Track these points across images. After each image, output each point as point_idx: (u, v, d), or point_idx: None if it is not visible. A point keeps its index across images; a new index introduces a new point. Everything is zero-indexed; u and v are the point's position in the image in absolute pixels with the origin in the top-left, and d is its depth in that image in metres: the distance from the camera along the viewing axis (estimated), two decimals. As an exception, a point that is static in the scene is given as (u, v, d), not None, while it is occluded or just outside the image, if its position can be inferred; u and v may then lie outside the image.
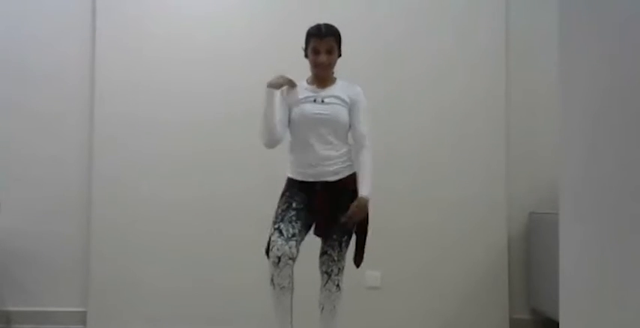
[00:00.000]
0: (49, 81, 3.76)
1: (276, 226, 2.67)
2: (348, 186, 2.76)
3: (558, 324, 1.65)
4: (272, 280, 2.64)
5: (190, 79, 3.72)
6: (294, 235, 2.64)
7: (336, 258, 2.76)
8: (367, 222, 2.78)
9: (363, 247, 2.80)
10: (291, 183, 2.80)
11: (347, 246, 2.79)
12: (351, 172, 2.79)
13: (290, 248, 2.60)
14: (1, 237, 3.68)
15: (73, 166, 3.73)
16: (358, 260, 2.80)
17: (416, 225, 3.68)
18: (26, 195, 3.71)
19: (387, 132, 3.61)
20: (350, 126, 2.81)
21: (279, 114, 2.75)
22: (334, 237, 2.75)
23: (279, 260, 2.59)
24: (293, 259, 2.61)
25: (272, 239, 2.64)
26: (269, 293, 2.69)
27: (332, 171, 2.74)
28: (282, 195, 2.80)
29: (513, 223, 3.73)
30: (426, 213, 3.69)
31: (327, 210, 2.71)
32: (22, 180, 3.72)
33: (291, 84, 2.80)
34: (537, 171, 3.72)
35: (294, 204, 2.71)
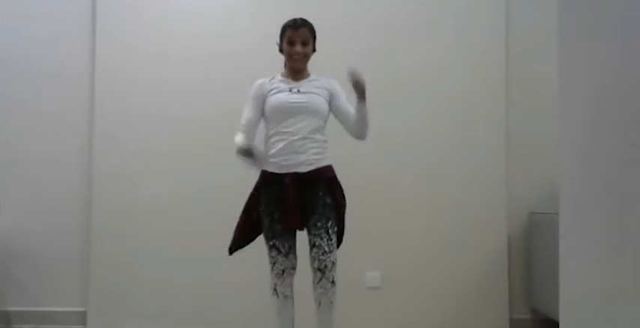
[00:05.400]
0: (49, 81, 3.76)
1: (271, 243, 2.70)
2: (322, 175, 2.71)
3: (558, 324, 1.65)
4: (275, 289, 2.71)
5: (190, 78, 3.72)
6: (290, 247, 2.72)
7: (327, 249, 2.63)
8: (344, 210, 2.75)
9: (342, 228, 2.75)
10: (263, 179, 2.75)
11: (335, 233, 2.69)
12: (326, 164, 2.75)
13: (290, 260, 2.72)
14: (1, 237, 3.68)
15: (73, 166, 3.73)
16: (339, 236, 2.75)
17: (416, 225, 3.68)
18: (26, 195, 3.71)
19: (387, 132, 3.61)
20: (340, 114, 2.79)
21: (244, 118, 2.80)
22: (318, 224, 2.65)
23: (283, 272, 2.70)
24: (294, 268, 2.74)
25: (271, 255, 2.71)
26: (271, 301, 2.74)
27: (304, 162, 2.68)
28: (256, 193, 2.74)
29: (513, 223, 3.73)
30: (426, 213, 3.69)
31: (296, 203, 2.65)
32: (22, 180, 3.72)
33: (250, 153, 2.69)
34: (537, 171, 3.72)
35: (275, 216, 2.69)
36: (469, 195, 3.70)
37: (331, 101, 2.80)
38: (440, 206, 3.69)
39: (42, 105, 3.75)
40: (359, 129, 2.77)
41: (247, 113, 2.82)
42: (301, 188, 2.66)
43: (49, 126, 3.75)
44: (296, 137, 2.69)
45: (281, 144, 2.70)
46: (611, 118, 1.37)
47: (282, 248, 2.69)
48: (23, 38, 3.77)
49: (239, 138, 2.72)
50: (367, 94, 2.68)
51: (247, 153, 2.62)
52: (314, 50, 2.85)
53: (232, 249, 2.79)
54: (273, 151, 2.72)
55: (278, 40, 2.85)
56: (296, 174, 2.67)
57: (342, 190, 2.76)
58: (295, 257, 2.74)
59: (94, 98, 3.72)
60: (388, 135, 3.63)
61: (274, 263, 2.71)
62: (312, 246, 2.67)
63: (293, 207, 2.65)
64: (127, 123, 3.70)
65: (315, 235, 2.66)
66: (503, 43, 3.75)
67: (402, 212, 3.68)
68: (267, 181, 2.73)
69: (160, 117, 3.71)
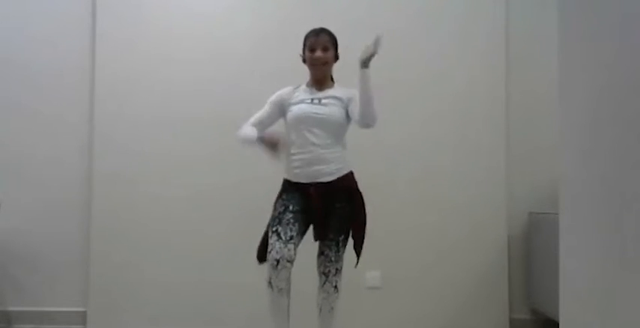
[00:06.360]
0: (49, 81, 3.76)
1: (274, 229, 2.67)
2: (344, 184, 2.76)
3: (558, 324, 1.65)
4: (270, 282, 2.63)
5: (190, 78, 3.72)
6: (292, 238, 2.63)
7: (333, 259, 2.76)
8: (365, 218, 2.79)
9: (362, 241, 2.79)
10: (287, 185, 2.80)
11: (344, 245, 2.78)
12: (347, 172, 2.79)
13: (289, 250, 2.60)
14: (1, 237, 3.68)
15: (73, 166, 3.73)
16: (358, 250, 2.78)
17: (416, 225, 3.68)
18: (26, 195, 3.71)
19: (387, 132, 3.61)
20: (352, 113, 2.79)
21: (255, 117, 2.85)
22: (331, 236, 2.75)
23: (278, 263, 2.59)
24: (291, 262, 2.61)
25: (270, 242, 2.65)
26: (267, 294, 2.71)
27: (326, 172, 2.73)
28: (278, 197, 2.79)
29: (513, 223, 3.73)
30: (426, 213, 3.69)
31: (322, 211, 2.70)
32: (22, 180, 3.72)
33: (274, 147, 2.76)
34: (537, 171, 3.72)
35: (290, 207, 2.70)
36: (469, 195, 3.70)
37: (347, 106, 2.81)
38: (440, 206, 3.70)
39: (42, 105, 3.75)
40: (364, 111, 2.68)
41: (261, 113, 2.87)
42: (325, 198, 2.71)
43: (49, 126, 3.75)
44: (316, 147, 2.73)
45: (302, 155, 2.75)
46: (611, 118, 1.37)
47: (284, 235, 2.63)
48: (23, 38, 3.77)
49: (249, 130, 2.78)
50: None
51: (273, 145, 2.72)
52: (337, 58, 2.88)
53: (261, 259, 2.76)
54: (295, 163, 2.77)
55: (300, 51, 2.88)
56: (320, 184, 2.72)
57: (361, 198, 2.79)
58: (294, 250, 2.63)
59: (94, 98, 3.72)
60: (388, 135, 3.62)
61: (270, 252, 2.62)
62: (321, 253, 2.78)
63: (319, 217, 2.70)
64: (127, 123, 3.70)
65: (325, 245, 2.76)
66: (503, 43, 3.75)
67: (402, 212, 3.68)
68: (292, 188, 2.77)
69: (159, 117, 3.70)
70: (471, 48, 3.76)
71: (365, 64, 2.66)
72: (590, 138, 1.46)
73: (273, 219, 2.71)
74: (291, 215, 2.68)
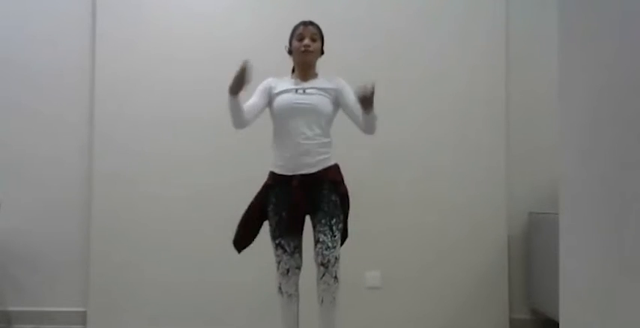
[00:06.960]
0: (49, 81, 3.76)
1: (277, 241, 2.76)
2: (328, 176, 2.74)
3: (558, 324, 1.65)
4: (280, 288, 2.77)
5: (190, 78, 3.72)
6: (296, 247, 2.77)
7: (330, 245, 2.66)
8: (347, 212, 2.79)
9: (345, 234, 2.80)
10: (272, 179, 2.79)
11: (339, 230, 2.71)
12: (331, 163, 2.78)
13: (295, 260, 2.77)
14: (1, 237, 3.68)
15: (73, 166, 3.73)
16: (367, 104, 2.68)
17: (416, 225, 3.68)
18: (26, 195, 3.71)
19: (387, 132, 3.60)
20: (348, 111, 2.81)
21: (247, 103, 2.78)
22: (323, 221, 2.68)
23: (288, 271, 2.75)
24: (299, 268, 2.78)
25: (277, 253, 2.76)
26: (277, 300, 2.78)
27: (310, 163, 2.72)
28: (266, 195, 2.79)
29: (513, 223, 3.73)
30: (426, 213, 3.69)
31: (303, 206, 2.71)
32: (22, 180, 3.72)
33: (242, 79, 2.66)
34: (537, 171, 3.72)
35: (284, 214, 2.73)
36: (469, 195, 3.70)
37: (338, 99, 2.83)
38: (440, 206, 3.69)
39: (42, 105, 3.75)
40: (367, 129, 2.81)
41: (250, 101, 2.82)
42: (308, 190, 2.71)
43: (49, 126, 3.75)
44: (301, 138, 2.72)
45: (287, 145, 2.75)
46: (611, 118, 1.37)
47: (288, 248, 2.74)
48: (23, 38, 3.77)
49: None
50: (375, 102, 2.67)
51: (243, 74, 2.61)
52: (322, 52, 2.90)
53: (240, 247, 2.83)
54: (279, 152, 2.77)
55: (287, 43, 2.89)
56: (303, 176, 2.71)
57: (346, 192, 2.78)
58: (300, 257, 2.78)
59: (94, 98, 3.72)
60: (388, 135, 3.62)
61: (279, 262, 2.76)
62: (317, 241, 2.71)
63: (298, 212, 2.72)
64: (127, 123, 3.70)
65: (319, 231, 2.71)
66: (503, 43, 3.75)
67: (402, 212, 3.68)
68: (276, 182, 2.77)
69: (160, 117, 3.71)
70: (471, 48, 3.76)
71: (367, 109, 2.66)
72: (590, 138, 1.46)
73: (272, 230, 2.77)
74: (286, 224, 2.74)
